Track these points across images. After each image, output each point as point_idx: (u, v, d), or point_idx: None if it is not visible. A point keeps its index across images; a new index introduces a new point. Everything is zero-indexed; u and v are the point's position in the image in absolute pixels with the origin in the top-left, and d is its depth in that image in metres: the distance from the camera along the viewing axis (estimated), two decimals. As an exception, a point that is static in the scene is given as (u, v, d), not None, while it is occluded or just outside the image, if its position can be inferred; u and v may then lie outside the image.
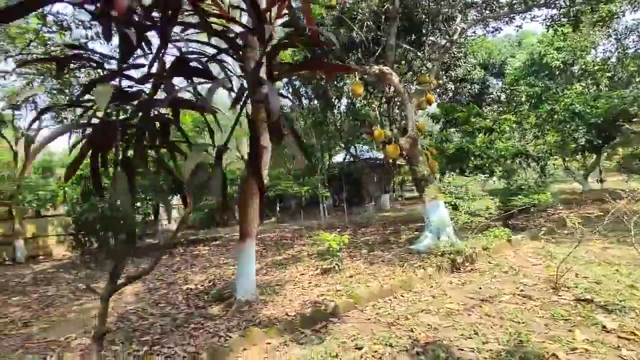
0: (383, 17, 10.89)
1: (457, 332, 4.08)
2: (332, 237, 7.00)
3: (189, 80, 2.61)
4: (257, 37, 2.35)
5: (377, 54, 10.88)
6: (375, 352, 3.64)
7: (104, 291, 1.93)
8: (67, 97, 12.57)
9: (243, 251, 5.73)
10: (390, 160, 17.60)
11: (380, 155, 21.29)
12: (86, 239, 14.12)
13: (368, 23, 10.73)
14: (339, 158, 21.92)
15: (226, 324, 4.97)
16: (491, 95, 21.48)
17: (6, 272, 10.91)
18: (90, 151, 1.79)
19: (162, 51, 2.00)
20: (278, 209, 20.82)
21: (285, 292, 6.25)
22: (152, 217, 14.24)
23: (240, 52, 2.84)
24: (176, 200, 14.69)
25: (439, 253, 7.11)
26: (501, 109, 19.82)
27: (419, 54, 11.89)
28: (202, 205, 16.07)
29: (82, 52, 1.77)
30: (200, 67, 2.24)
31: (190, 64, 2.41)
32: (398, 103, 16.16)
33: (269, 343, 3.94)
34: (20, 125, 13.43)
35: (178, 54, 2.47)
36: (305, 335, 4.13)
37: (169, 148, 2.31)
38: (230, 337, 4.45)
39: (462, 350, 3.72)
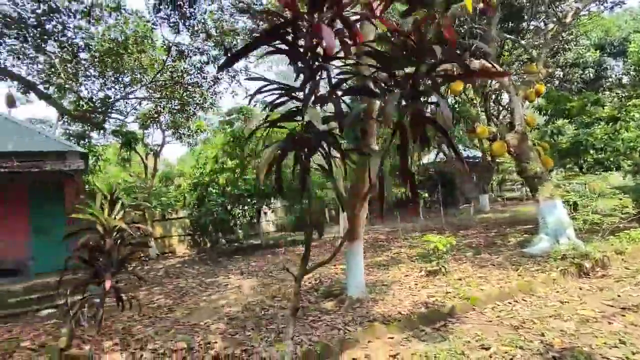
0: (478, 7, 10.36)
1: (599, 340, 3.73)
2: (437, 239, 6.88)
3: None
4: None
5: (473, 47, 10.37)
6: (506, 353, 3.53)
7: (298, 273, 2.27)
8: (185, 116, 14.47)
9: (352, 252, 5.98)
10: (489, 158, 16.49)
11: (477, 154, 20.08)
12: (200, 239, 16.03)
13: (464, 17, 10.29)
14: (421, 158, 21.21)
15: (342, 318, 5.25)
16: (610, 79, 18.71)
17: (144, 267, 12.89)
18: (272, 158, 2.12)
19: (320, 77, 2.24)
20: (370, 210, 20.93)
21: (392, 291, 6.34)
22: (255, 220, 15.53)
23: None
24: (279, 203, 15.79)
25: (559, 257, 6.50)
26: (625, 94, 17.13)
27: (521, 42, 10.99)
28: (296, 208, 16.94)
29: (267, 82, 2.10)
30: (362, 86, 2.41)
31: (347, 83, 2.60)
32: (493, 97, 15.10)
33: (392, 337, 4.07)
34: (148, 142, 15.84)
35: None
36: (425, 333, 4.18)
37: (342, 154, 2.53)
38: (348, 330, 4.70)
39: (607, 359, 3.40)
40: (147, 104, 14.50)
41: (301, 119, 1.88)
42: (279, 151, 2.01)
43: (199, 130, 15.62)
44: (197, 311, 6.72)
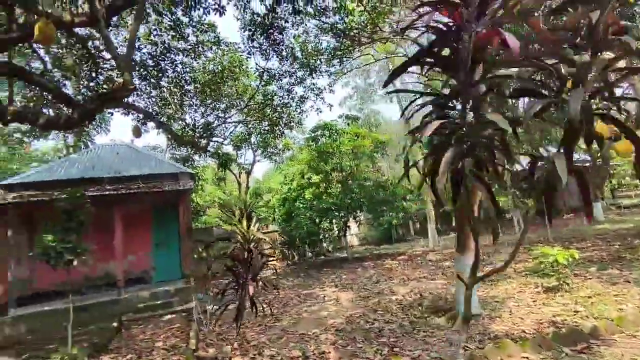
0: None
1: None
2: (556, 251, 6.22)
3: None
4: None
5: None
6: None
7: (469, 281, 2.25)
8: (273, 135, 15.36)
9: (462, 264, 5.69)
10: (601, 161, 14.56)
11: (583, 157, 17.88)
12: (289, 251, 16.68)
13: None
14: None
15: (458, 335, 4.98)
16: None
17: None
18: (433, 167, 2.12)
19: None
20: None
21: (507, 308, 5.85)
22: (341, 233, 15.69)
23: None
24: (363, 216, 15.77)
25: None
26: None
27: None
28: (383, 221, 16.75)
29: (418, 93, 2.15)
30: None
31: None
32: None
33: (526, 357, 3.74)
34: (241, 162, 17.15)
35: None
36: (566, 354, 3.76)
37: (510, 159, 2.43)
38: (468, 347, 4.44)
39: None
40: (241, 126, 15.76)
41: (458, 126, 1.87)
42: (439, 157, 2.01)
43: (286, 148, 16.46)
44: (301, 321, 6.94)
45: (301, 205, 14.68)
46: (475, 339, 4.77)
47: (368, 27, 11.80)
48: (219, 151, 15.50)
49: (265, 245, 4.43)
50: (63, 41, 9.66)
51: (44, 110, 9.73)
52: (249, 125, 14.86)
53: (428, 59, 1.97)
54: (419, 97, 2.32)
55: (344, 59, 13.29)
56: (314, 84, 13.20)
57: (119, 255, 9.34)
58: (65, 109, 10.42)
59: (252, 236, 3.71)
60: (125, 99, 7.43)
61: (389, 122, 26.59)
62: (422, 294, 7.70)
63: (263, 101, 12.96)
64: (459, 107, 2.01)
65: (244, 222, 3.91)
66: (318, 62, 12.96)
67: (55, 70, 10.13)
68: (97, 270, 9.85)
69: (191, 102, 14.33)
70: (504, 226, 16.31)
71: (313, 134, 14.34)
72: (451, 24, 1.93)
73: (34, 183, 9.55)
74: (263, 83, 12.57)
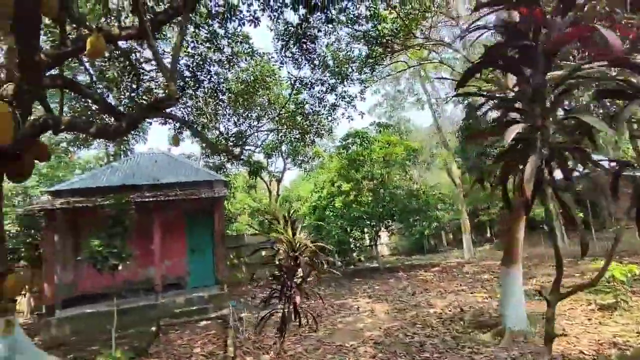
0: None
1: None
2: (613, 266, 5.80)
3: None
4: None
5: None
6: None
7: (551, 297, 2.10)
8: (303, 143, 15.43)
9: (509, 277, 5.41)
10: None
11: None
12: (318, 261, 16.54)
13: None
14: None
15: (506, 352, 4.71)
16: None
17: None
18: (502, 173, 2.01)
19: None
20: (492, 233, 19.09)
21: (560, 327, 5.49)
22: (372, 242, 15.45)
23: None
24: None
25: None
26: None
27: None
28: (413, 231, 16.37)
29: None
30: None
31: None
32: None
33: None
34: (271, 170, 17.31)
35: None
36: (637, 381, 3.44)
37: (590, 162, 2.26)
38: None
39: None
40: (272, 134, 15.95)
41: (537, 129, 1.74)
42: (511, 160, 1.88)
43: (316, 156, 16.48)
44: (337, 332, 6.81)
45: (331, 214, 14.57)
46: (527, 357, 4.49)
47: (401, 34, 11.69)
48: (251, 159, 15.73)
49: (309, 253, 4.36)
50: (106, 54, 10.16)
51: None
52: (280, 134, 15.02)
53: (500, 61, 1.86)
54: (483, 101, 2.20)
55: (376, 67, 13.21)
56: (345, 91, 13.20)
57: (157, 260, 9.57)
58: (107, 119, 10.96)
59: (298, 244, 3.66)
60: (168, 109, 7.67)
61: (419, 129, 26.17)
62: (462, 307, 7.38)
63: (294, 110, 13.06)
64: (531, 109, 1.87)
65: (289, 229, 3.86)
66: (350, 69, 12.96)
67: (98, 82, 10.64)
68: (137, 274, 10.13)
69: (224, 112, 14.67)
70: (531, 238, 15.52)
71: (344, 142, 14.29)
72: (524, 22, 1.81)
73: (79, 190, 9.99)
74: (295, 92, 12.68)
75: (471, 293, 8.76)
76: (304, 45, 11.26)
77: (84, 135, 13.82)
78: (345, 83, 13.01)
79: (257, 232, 16.94)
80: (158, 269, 9.59)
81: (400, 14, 11.18)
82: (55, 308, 8.94)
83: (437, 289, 9.72)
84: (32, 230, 11.94)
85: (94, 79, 10.27)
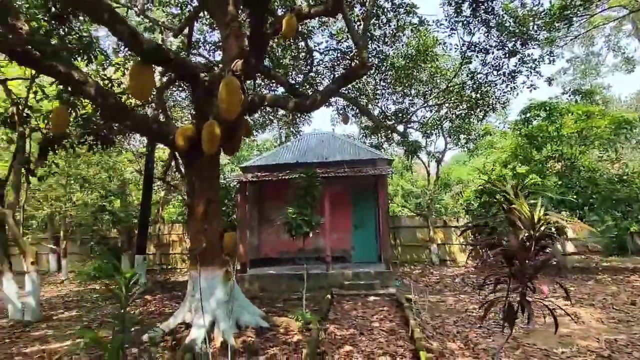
0: None
1: None
2: None
3: None
4: None
5: None
6: None
7: None
8: (468, 120, 13.89)
9: None
10: None
11: None
12: (483, 250, 14.94)
13: None
14: None
15: None
16: None
17: (432, 271, 13.09)
18: None
19: None
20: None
21: None
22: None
23: None
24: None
25: None
26: None
27: None
28: (613, 225, 13.05)
29: None
30: None
31: None
32: None
33: None
34: (430, 150, 16.32)
35: None
36: None
37: None
38: None
39: None
40: (432, 111, 14.96)
41: None
42: None
43: (486, 134, 14.72)
44: (534, 333, 5.80)
45: (502, 199, 12.79)
46: None
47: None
48: (408, 138, 15.12)
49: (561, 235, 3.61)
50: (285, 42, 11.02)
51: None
52: (443, 110, 13.88)
53: None
54: None
55: (574, 19, 10.69)
56: (528, 55, 11.14)
57: (327, 233, 10.09)
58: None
59: (540, 221, 3.00)
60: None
61: (620, 100, 20.71)
62: None
63: (463, 82, 11.77)
64: None
65: (524, 204, 3.20)
66: (535, 27, 10.88)
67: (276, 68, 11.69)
68: (308, 244, 10.98)
69: (383, 91, 14.40)
70: None
71: (524, 116, 12.20)
72: None
73: (263, 166, 11.34)
74: (466, 61, 11.38)
75: None
76: (481, 6, 9.90)
77: (262, 120, 15.67)
78: (529, 44, 10.99)
79: (413, 213, 16.38)
80: (327, 241, 10.11)
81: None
82: (247, 267, 10.45)
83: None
84: (225, 200, 14.28)
85: (271, 65, 11.29)
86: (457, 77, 12.31)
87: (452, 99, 12.98)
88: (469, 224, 14.87)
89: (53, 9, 7.29)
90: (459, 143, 15.86)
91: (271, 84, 11.74)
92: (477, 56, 11.35)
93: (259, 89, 11.41)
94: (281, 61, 11.43)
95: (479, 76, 11.74)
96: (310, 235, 5.99)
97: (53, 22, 7.32)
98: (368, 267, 10.24)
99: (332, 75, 11.78)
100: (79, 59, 7.55)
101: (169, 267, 15.98)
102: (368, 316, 6.94)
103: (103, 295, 10.08)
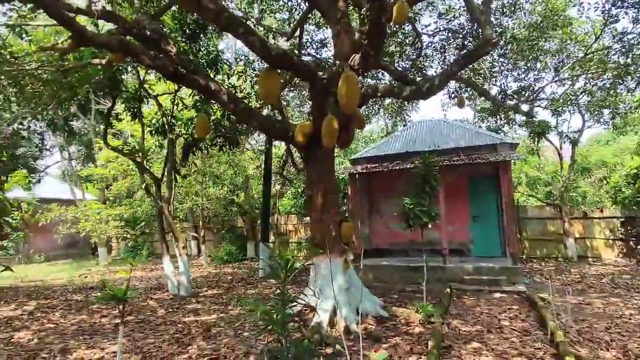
0: None
1: None
2: None
3: None
4: None
5: None
6: None
7: None
8: (615, 91, 11.64)
9: None
10: None
11: None
12: (637, 246, 12.41)
13: None
14: None
15: None
16: None
17: (569, 268, 11.41)
18: None
19: None
20: None
21: None
22: None
23: None
24: None
25: None
26: None
27: None
28: None
29: None
30: None
31: None
32: None
33: None
34: (563, 130, 14.11)
35: None
36: None
37: None
38: None
39: None
40: (566, 85, 12.90)
41: None
42: None
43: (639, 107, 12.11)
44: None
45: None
46: None
47: None
48: (534, 118, 13.36)
49: None
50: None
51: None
52: (578, 83, 11.82)
53: None
54: None
55: None
56: None
57: (442, 224, 9.63)
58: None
59: None
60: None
61: None
62: None
63: (607, 46, 9.81)
64: None
65: None
66: None
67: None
68: (421, 235, 10.66)
69: (502, 67, 12.96)
70: None
71: None
72: None
73: (372, 157, 11.37)
74: (611, 20, 9.48)
75: None
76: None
77: (367, 111, 15.69)
78: None
79: (543, 203, 14.46)
80: (443, 233, 9.65)
81: None
82: (360, 257, 10.66)
83: None
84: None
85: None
86: (599, 41, 10.32)
87: (593, 68, 10.97)
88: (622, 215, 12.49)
89: (187, 31, 8.60)
90: (602, 120, 13.36)
91: (376, 73, 11.63)
92: (626, 13, 9.36)
93: (364, 80, 11.44)
94: (386, 49, 11.22)
95: (629, 37, 9.69)
96: (429, 226, 5.80)
97: (187, 41, 8.63)
98: (491, 262, 9.46)
99: (442, 58, 11.09)
100: (209, 71, 8.74)
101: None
102: (495, 313, 6.44)
103: (236, 278, 11.50)
